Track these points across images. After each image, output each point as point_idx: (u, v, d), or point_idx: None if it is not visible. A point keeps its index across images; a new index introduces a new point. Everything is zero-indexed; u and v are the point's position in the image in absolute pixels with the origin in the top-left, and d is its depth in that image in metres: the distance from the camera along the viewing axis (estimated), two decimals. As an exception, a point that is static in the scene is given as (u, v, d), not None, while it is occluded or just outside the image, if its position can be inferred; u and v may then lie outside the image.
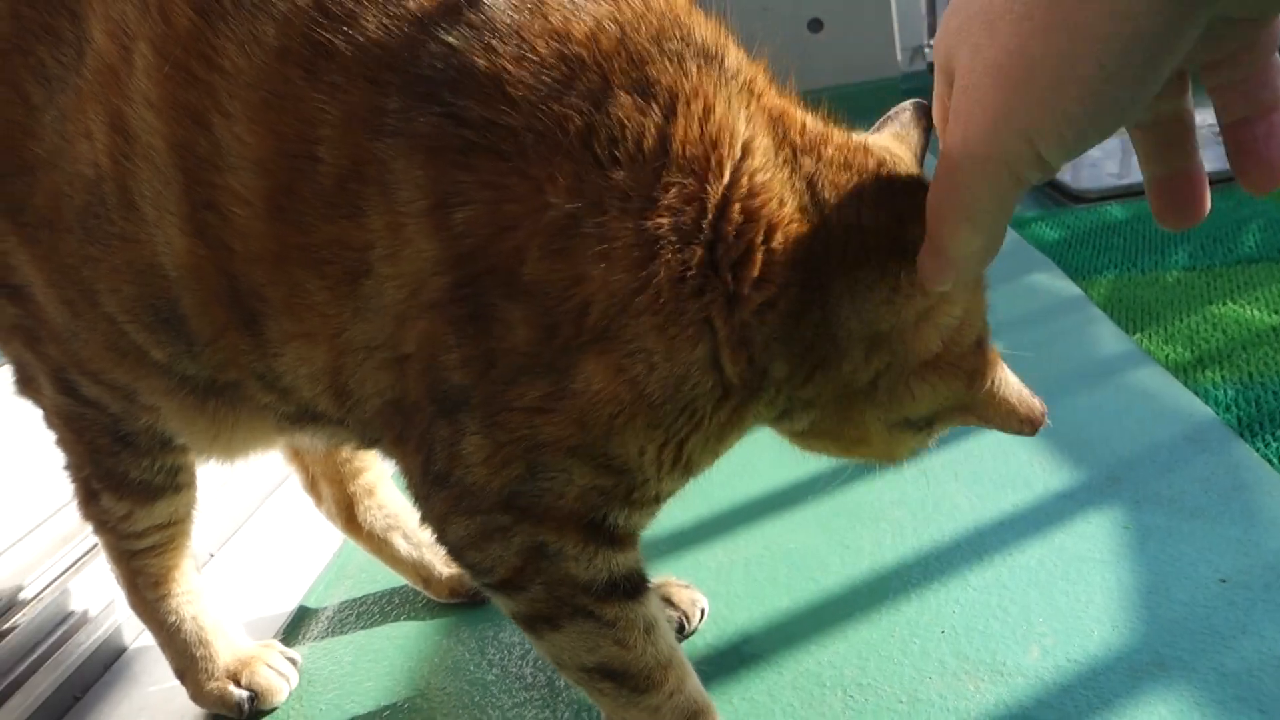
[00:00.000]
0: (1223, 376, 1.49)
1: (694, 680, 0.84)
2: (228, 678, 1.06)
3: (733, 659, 1.02)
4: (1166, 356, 1.58)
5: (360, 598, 1.25)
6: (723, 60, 0.71)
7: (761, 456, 1.42)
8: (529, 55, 0.68)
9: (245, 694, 1.05)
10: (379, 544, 1.20)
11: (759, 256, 0.67)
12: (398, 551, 1.19)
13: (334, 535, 1.28)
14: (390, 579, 1.25)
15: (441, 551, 1.17)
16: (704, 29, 0.71)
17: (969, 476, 1.27)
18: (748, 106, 0.70)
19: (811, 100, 0.75)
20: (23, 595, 1.23)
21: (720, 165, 0.67)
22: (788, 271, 0.68)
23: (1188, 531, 1.08)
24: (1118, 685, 0.89)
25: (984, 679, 0.93)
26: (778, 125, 0.71)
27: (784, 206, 0.68)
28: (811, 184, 0.70)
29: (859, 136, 0.77)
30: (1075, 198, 2.60)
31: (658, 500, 0.77)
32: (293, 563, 1.36)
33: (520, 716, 1.00)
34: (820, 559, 1.16)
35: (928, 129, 0.84)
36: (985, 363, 0.77)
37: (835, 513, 1.25)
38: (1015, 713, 0.89)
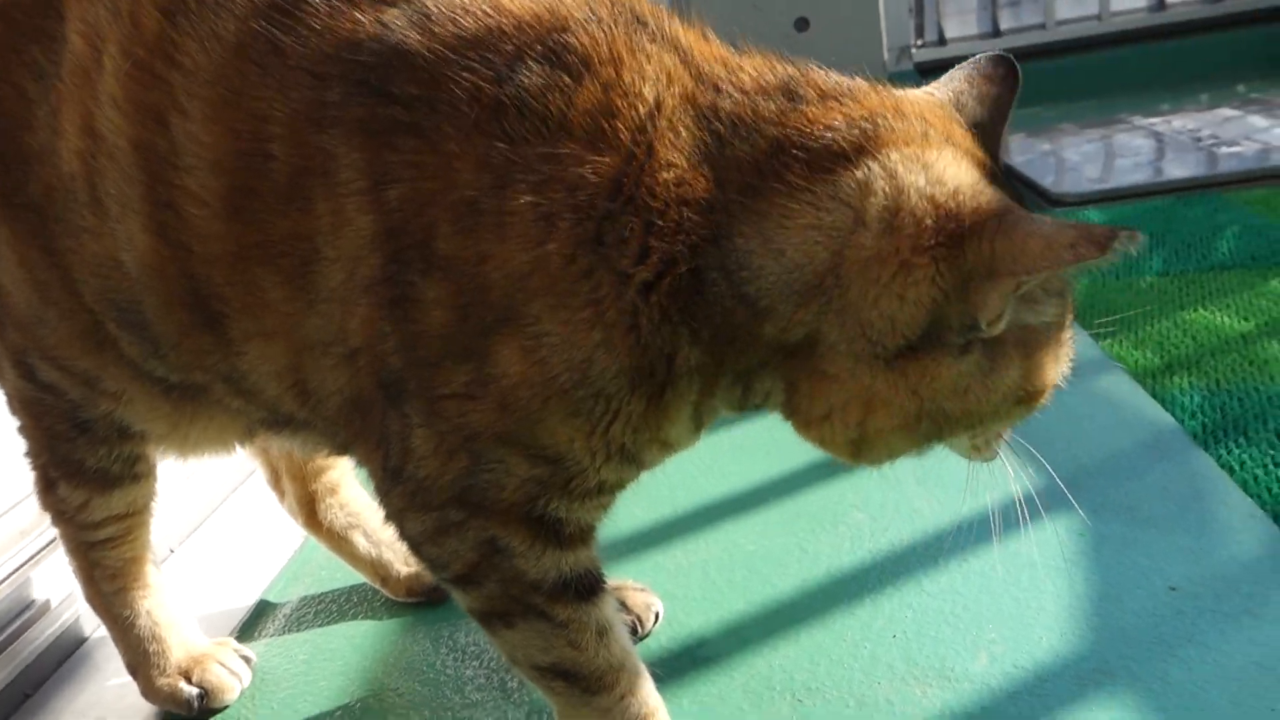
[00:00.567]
0: (1190, 382, 1.50)
1: (648, 686, 0.84)
2: (179, 674, 1.05)
3: (686, 661, 1.02)
4: (1136, 361, 1.59)
5: (319, 594, 1.25)
6: (651, 22, 0.72)
7: (726, 457, 1.42)
8: (457, 30, 0.69)
9: (196, 691, 1.04)
10: (339, 541, 1.20)
11: (639, 232, 0.66)
12: (357, 549, 1.19)
13: (296, 531, 1.28)
14: (350, 576, 1.24)
15: (401, 551, 1.18)
16: None
17: (931, 480, 1.27)
18: (667, 65, 0.70)
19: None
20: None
21: (617, 135, 0.67)
22: (674, 244, 0.67)
23: (1142, 540, 1.09)
24: (1063, 693, 0.90)
25: (931, 684, 0.94)
26: (701, 81, 0.70)
27: (677, 172, 0.67)
28: (719, 132, 0.68)
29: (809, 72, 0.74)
30: (1055, 201, 2.61)
31: (601, 491, 0.77)
32: (254, 558, 1.36)
33: (471, 718, 0.99)
34: (778, 562, 1.16)
35: (1006, 77, 0.80)
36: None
37: (797, 515, 1.25)
38: (961, 719, 0.89)
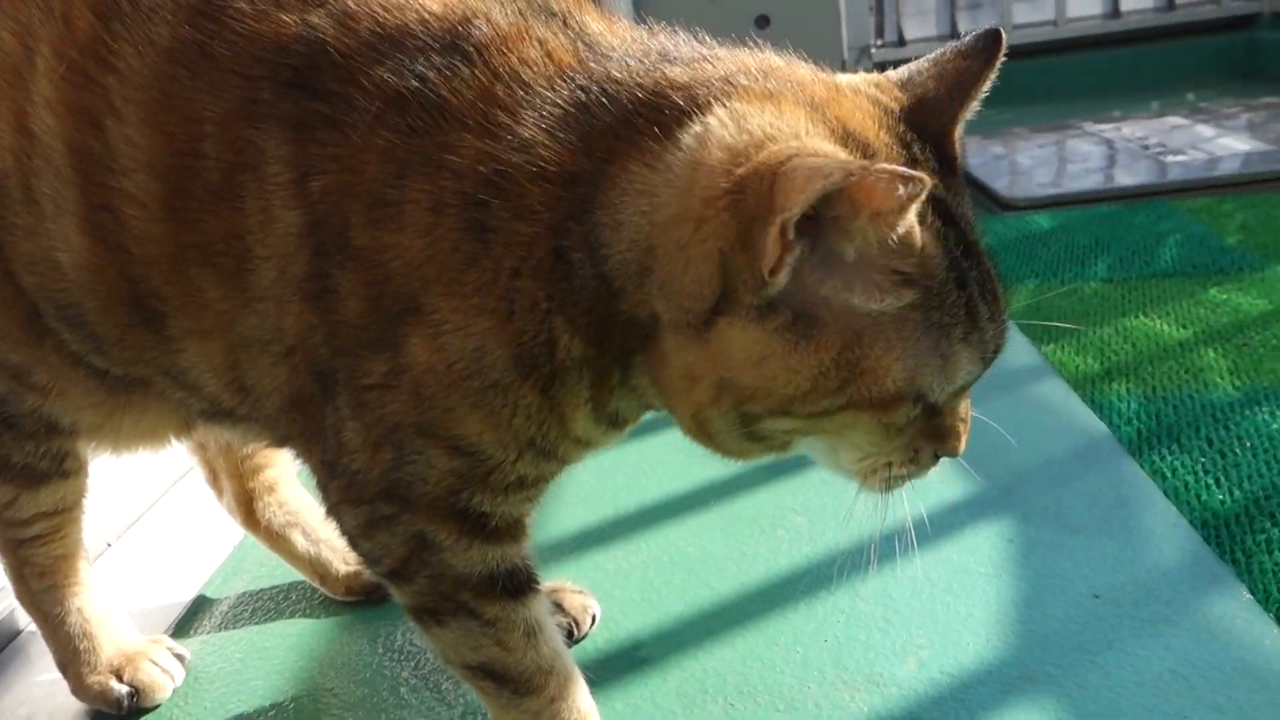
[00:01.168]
0: (1128, 389, 1.53)
1: (580, 691, 0.85)
2: (110, 672, 1.04)
3: (622, 663, 1.03)
4: (1077, 367, 1.62)
5: (257, 591, 1.25)
6: (560, 11, 0.73)
7: (669, 459, 1.43)
8: (373, 27, 0.71)
9: (126, 690, 1.03)
10: (277, 540, 1.19)
11: (507, 217, 0.67)
12: (295, 548, 1.19)
13: (235, 527, 1.27)
14: (288, 574, 1.24)
15: (340, 549, 1.18)
16: None
17: (868, 485, 1.29)
18: (554, 47, 0.70)
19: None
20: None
21: (498, 120, 0.67)
22: (534, 225, 0.67)
23: (1069, 547, 1.11)
24: (986, 698, 0.92)
25: (860, 689, 0.95)
26: (592, 59, 0.70)
27: (542, 149, 0.66)
28: (589, 103, 0.67)
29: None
30: (1006, 205, 2.64)
31: (523, 485, 0.77)
32: (191, 554, 1.35)
33: (404, 718, 1.00)
34: (717, 565, 1.17)
35: (984, 50, 0.75)
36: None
37: (737, 518, 1.26)
38: (886, 724, 0.91)
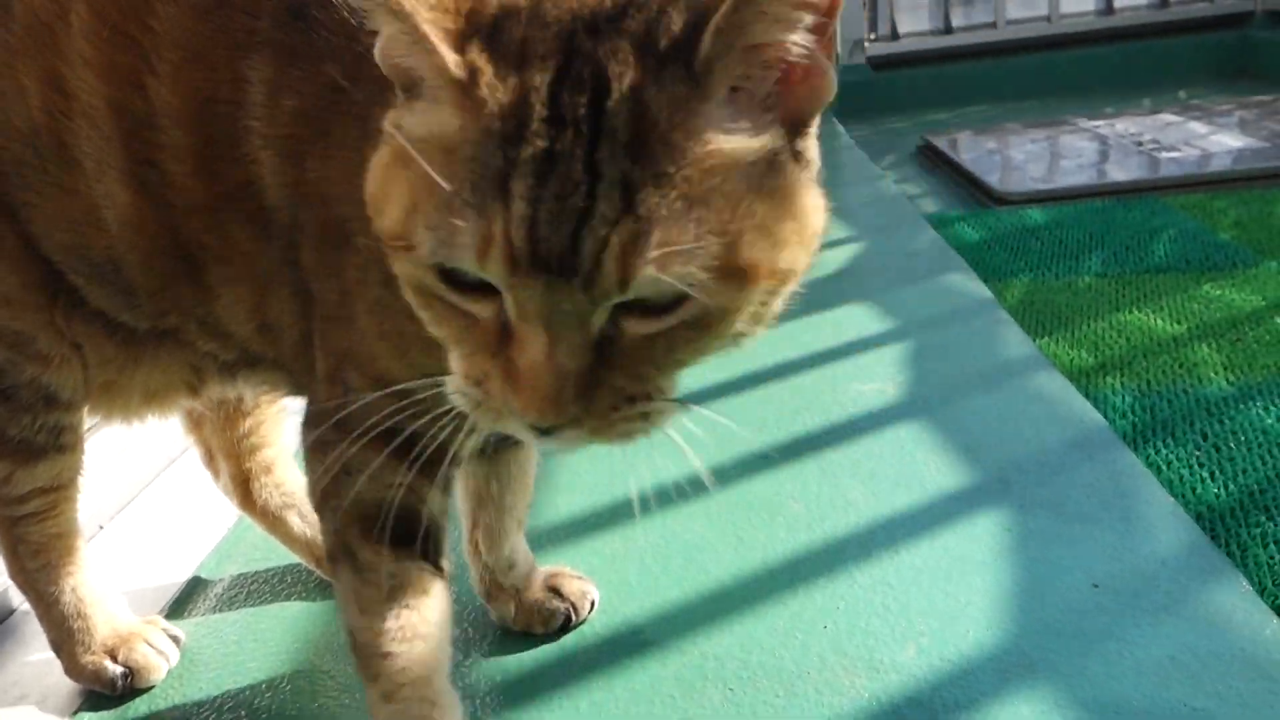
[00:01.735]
0: (1122, 383, 1.54)
1: (441, 713, 0.79)
2: (104, 653, 1.03)
3: (620, 649, 1.03)
4: (1071, 361, 1.63)
5: (252, 573, 1.24)
6: None
7: (665, 445, 1.42)
8: None
9: (121, 670, 1.03)
10: (273, 521, 1.18)
11: None
12: (291, 529, 1.18)
13: (231, 508, 1.26)
14: (284, 556, 1.23)
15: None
16: None
17: (866, 474, 1.29)
18: None
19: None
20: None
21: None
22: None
23: (1068, 536, 1.11)
24: (986, 685, 0.92)
25: (860, 675, 0.95)
26: None
27: None
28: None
29: None
30: (999, 199, 2.65)
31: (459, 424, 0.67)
32: (186, 535, 1.34)
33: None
34: (715, 551, 1.17)
35: None
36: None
37: (735, 505, 1.26)
38: (886, 709, 0.91)
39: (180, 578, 1.25)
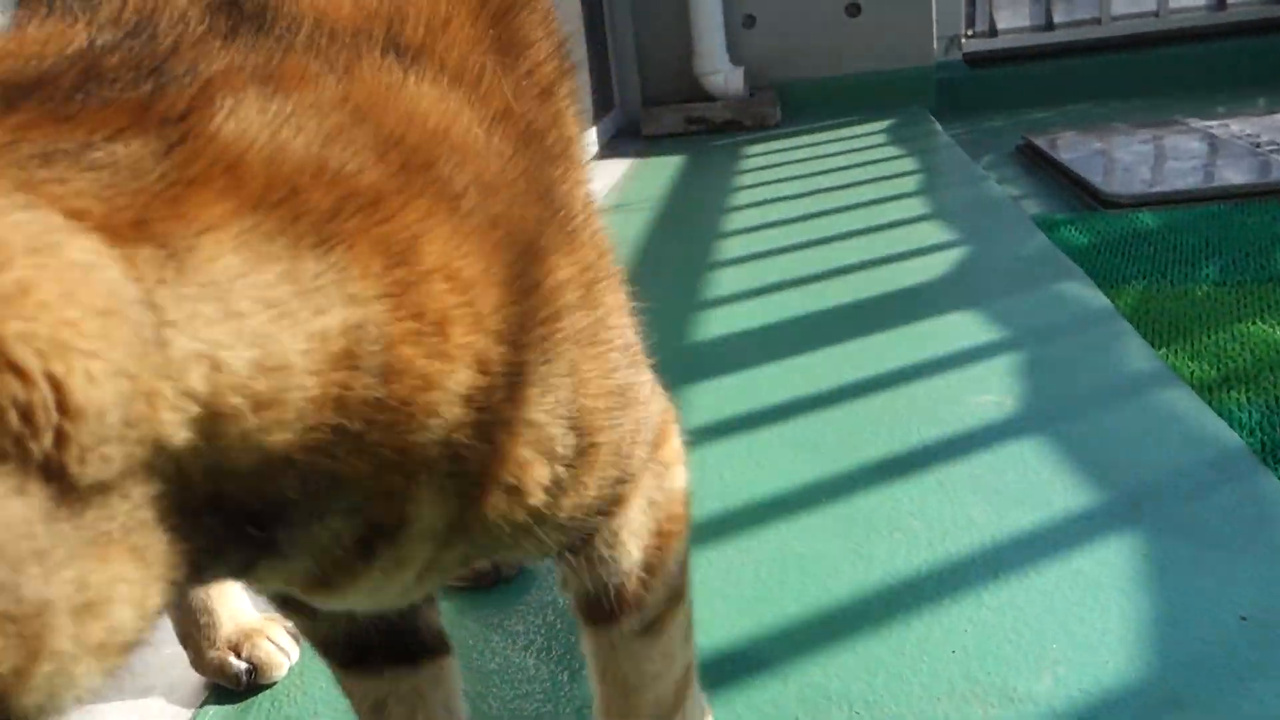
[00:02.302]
0: (1248, 398, 1.47)
1: None
2: (229, 648, 1.05)
3: (740, 665, 1.01)
4: (1191, 374, 1.56)
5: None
6: None
7: (776, 455, 1.41)
8: None
9: (245, 666, 1.04)
10: None
11: None
12: None
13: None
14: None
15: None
16: None
17: (988, 490, 1.25)
18: None
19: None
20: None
21: None
22: None
23: (1209, 563, 1.07)
24: (1130, 721, 0.88)
25: (994, 704, 0.92)
26: None
27: None
28: None
29: None
30: (1106, 203, 2.57)
31: None
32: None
33: (520, 709, 0.99)
34: (833, 566, 1.15)
35: None
36: None
37: (851, 519, 1.23)
38: (1024, 742, 0.88)
39: (295, 574, 1.26)
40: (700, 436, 1.51)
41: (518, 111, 0.60)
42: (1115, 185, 2.67)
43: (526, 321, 0.51)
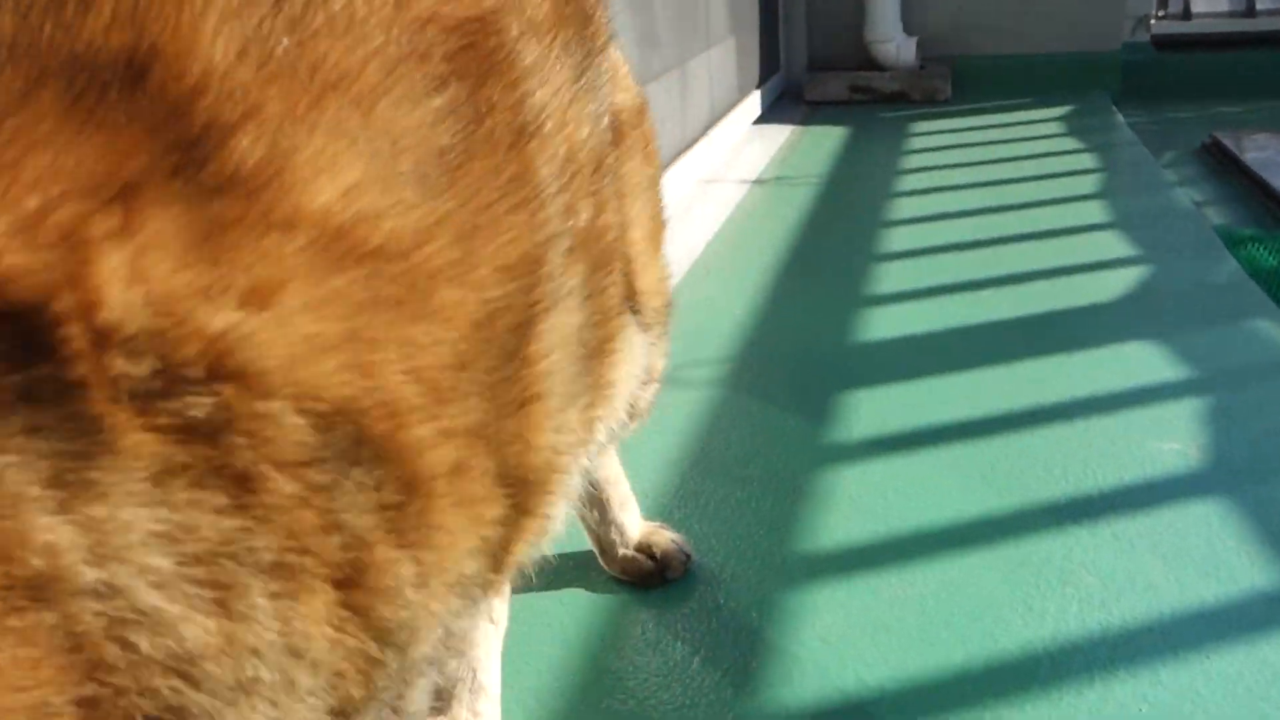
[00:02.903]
0: None
1: None
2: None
3: (908, 708, 1.02)
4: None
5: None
6: None
7: (942, 479, 1.39)
8: None
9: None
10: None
11: None
12: (588, 518, 1.22)
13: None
14: (581, 541, 1.25)
15: (627, 533, 1.21)
16: None
17: (1168, 552, 1.22)
18: None
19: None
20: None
21: None
22: None
23: None
24: (1318, 836, 0.86)
25: (1169, 794, 0.91)
26: None
27: None
28: None
29: None
30: (1302, 221, 2.42)
31: None
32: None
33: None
34: (1000, 615, 1.14)
35: None
36: None
37: (1020, 564, 1.22)
38: (1201, 840, 0.87)
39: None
40: (863, 450, 1.50)
41: None
42: (1312, 202, 2.51)
43: None
